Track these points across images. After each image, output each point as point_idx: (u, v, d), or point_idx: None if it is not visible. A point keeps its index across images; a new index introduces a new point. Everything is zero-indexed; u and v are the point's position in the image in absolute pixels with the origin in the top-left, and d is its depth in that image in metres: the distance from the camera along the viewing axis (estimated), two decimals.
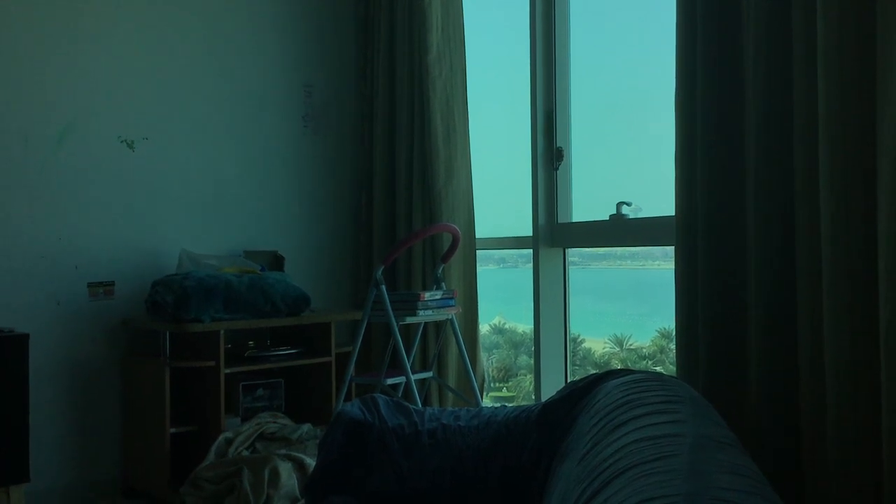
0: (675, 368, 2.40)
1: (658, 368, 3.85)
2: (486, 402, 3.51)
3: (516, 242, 3.67)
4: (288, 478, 2.87)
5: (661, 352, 3.99)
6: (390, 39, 3.83)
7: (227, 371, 3.24)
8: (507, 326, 4.57)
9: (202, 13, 3.70)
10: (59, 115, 3.32)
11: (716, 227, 2.22)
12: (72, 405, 3.32)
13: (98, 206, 3.40)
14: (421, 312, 3.06)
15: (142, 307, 3.33)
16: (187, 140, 3.64)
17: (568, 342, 3.43)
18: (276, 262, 3.73)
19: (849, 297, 1.79)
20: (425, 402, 3.39)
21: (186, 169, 3.63)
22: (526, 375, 4.31)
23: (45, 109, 3.29)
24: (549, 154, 3.36)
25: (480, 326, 3.59)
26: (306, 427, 3.25)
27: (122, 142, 3.46)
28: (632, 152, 3.31)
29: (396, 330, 3.02)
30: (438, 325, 3.45)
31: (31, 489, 3.03)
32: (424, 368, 3.44)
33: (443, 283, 3.26)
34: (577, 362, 3.92)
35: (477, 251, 3.56)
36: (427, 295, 3.09)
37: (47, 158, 3.29)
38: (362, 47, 4.04)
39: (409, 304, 3.06)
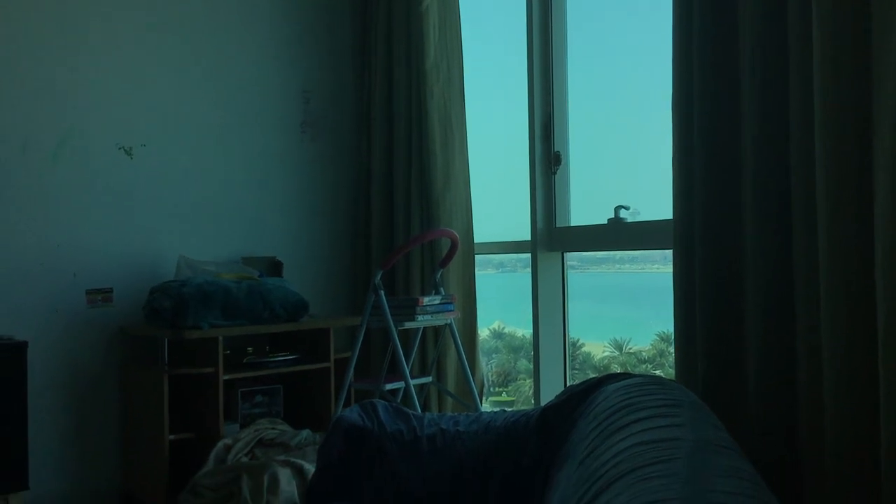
0: (674, 372, 2.40)
1: (658, 372, 3.84)
2: (486, 406, 3.50)
3: (515, 247, 3.67)
4: (287, 484, 2.87)
5: (661, 355, 3.98)
6: (388, 45, 3.83)
7: (226, 377, 3.24)
8: (506, 331, 4.57)
9: (200, 19, 3.70)
10: (57, 122, 3.31)
11: (713, 229, 2.22)
12: (70, 413, 3.32)
13: (96, 212, 3.39)
14: (420, 317, 3.05)
15: (140, 314, 3.32)
16: (185, 146, 3.64)
17: (567, 346, 3.42)
18: (275, 267, 3.72)
19: (846, 298, 1.79)
20: (424, 408, 3.39)
21: (184, 175, 3.63)
22: (525, 380, 4.31)
23: (44, 117, 3.28)
24: (547, 158, 3.36)
25: (479, 331, 3.58)
26: (305, 433, 3.24)
27: (120, 149, 3.46)
28: (630, 156, 3.31)
29: (395, 335, 3.02)
30: (437, 330, 3.45)
31: (30, 497, 3.02)
32: (423, 373, 3.44)
33: (441, 288, 3.26)
34: (577, 366, 3.92)
35: (475, 256, 3.56)
36: (426, 300, 3.08)
37: (45, 165, 3.29)
38: (360, 53, 4.04)
39: (408, 310, 3.05)
